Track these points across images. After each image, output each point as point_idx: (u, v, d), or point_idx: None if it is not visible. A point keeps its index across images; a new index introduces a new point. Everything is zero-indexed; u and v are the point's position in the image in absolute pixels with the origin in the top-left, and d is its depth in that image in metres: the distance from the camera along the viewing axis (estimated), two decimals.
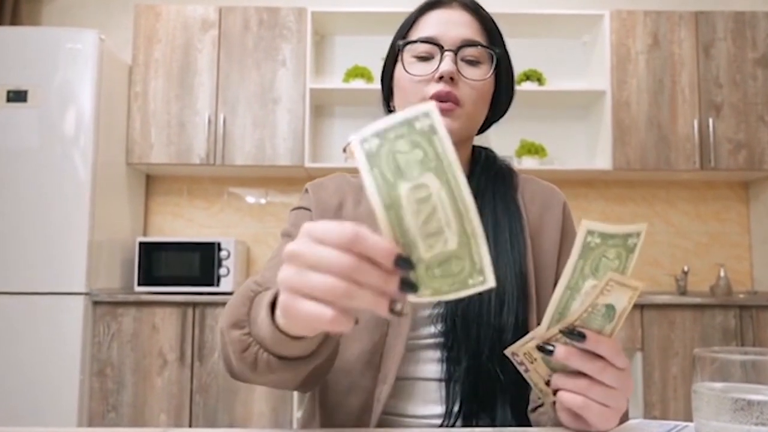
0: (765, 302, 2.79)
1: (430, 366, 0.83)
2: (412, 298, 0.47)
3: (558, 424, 0.65)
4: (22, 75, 2.76)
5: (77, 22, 3.46)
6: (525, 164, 3.15)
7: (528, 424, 0.79)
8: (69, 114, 2.76)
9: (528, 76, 3.19)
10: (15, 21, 3.37)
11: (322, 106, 3.44)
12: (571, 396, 0.60)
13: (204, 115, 3.11)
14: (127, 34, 3.34)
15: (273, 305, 0.58)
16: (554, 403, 0.64)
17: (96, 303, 2.75)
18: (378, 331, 0.82)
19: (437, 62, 0.87)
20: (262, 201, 3.46)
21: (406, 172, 0.45)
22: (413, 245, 0.46)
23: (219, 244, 2.97)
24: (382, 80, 0.99)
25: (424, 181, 0.45)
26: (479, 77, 0.89)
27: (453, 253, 0.46)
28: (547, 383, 0.64)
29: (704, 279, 3.36)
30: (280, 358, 0.62)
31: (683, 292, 3.17)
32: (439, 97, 0.86)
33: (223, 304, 2.76)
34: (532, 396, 0.80)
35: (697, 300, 2.79)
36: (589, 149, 3.40)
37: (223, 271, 2.95)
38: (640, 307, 2.77)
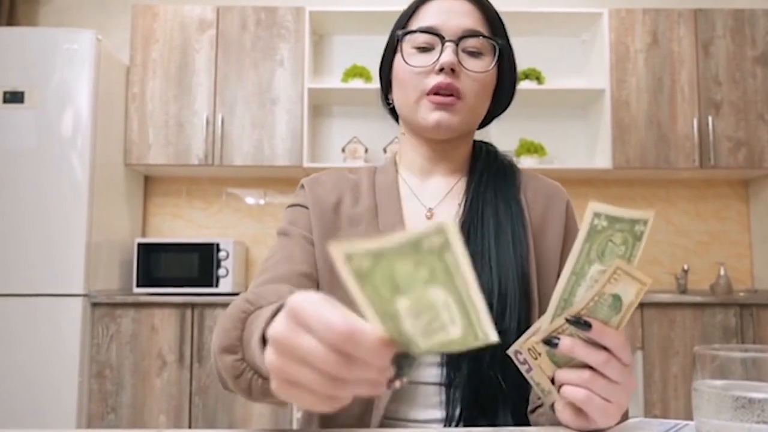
0: (765, 300, 2.79)
1: (430, 370, 0.81)
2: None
3: (557, 423, 0.64)
4: (19, 76, 2.75)
5: (74, 22, 3.46)
6: (524, 163, 3.14)
7: (527, 425, 0.78)
8: (66, 115, 2.76)
9: (527, 75, 3.18)
10: (12, 21, 3.36)
11: (320, 106, 3.43)
12: (573, 389, 0.59)
13: (202, 115, 3.10)
14: (124, 35, 3.33)
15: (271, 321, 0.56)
16: (553, 405, 0.63)
17: (94, 304, 2.74)
18: None
19: (438, 53, 0.85)
20: (261, 201, 3.46)
21: (407, 290, 0.41)
22: (413, 342, 0.44)
23: (218, 245, 2.96)
24: (380, 72, 0.96)
25: (429, 295, 0.41)
26: (481, 69, 0.87)
27: (455, 340, 0.43)
28: (551, 381, 0.63)
29: (704, 277, 3.36)
30: None
31: (683, 291, 3.16)
32: (439, 89, 0.84)
33: (222, 305, 2.76)
34: (532, 397, 0.79)
35: (698, 299, 2.78)
36: (588, 148, 3.39)
37: (222, 271, 2.95)
38: (640, 305, 2.76)
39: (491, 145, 0.99)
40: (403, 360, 0.45)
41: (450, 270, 0.40)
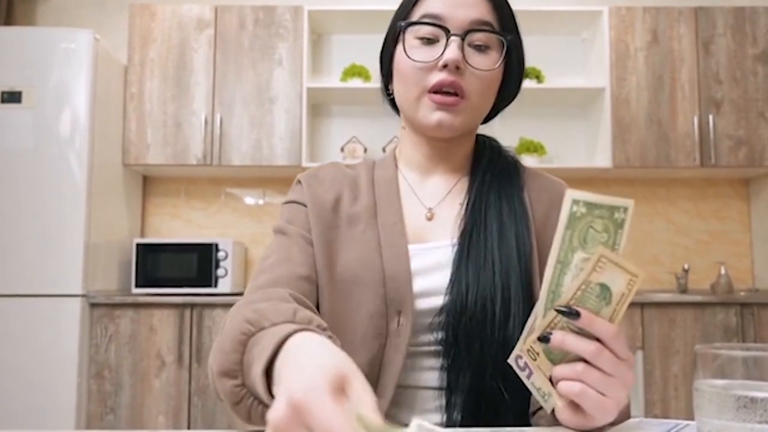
0: (766, 300, 2.78)
1: (430, 374, 0.79)
2: None
3: (557, 424, 0.63)
4: (17, 75, 2.74)
5: (72, 22, 3.45)
6: (524, 163, 3.12)
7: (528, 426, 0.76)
8: (64, 115, 2.75)
9: (526, 74, 3.16)
10: (9, 21, 3.36)
11: (319, 106, 3.42)
12: (568, 384, 0.58)
13: (200, 115, 3.09)
14: (122, 34, 3.32)
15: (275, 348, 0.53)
16: (554, 410, 0.62)
17: (93, 305, 2.73)
18: (376, 344, 0.78)
19: (442, 47, 0.81)
20: (260, 201, 3.45)
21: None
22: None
23: (216, 245, 2.95)
24: (381, 60, 0.92)
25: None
26: (487, 66, 0.82)
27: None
28: (551, 382, 0.62)
29: (705, 277, 3.35)
30: None
31: (684, 290, 3.15)
32: (442, 87, 0.81)
33: (222, 305, 2.75)
34: (533, 400, 0.77)
35: (698, 298, 2.77)
36: (588, 147, 3.38)
37: (220, 272, 2.94)
38: (640, 305, 2.75)
39: (494, 140, 0.96)
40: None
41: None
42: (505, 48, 0.84)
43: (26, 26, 3.42)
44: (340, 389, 0.42)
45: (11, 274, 2.65)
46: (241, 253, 3.20)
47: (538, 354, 0.61)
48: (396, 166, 0.94)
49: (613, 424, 0.63)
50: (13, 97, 2.73)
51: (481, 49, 0.83)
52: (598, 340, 0.58)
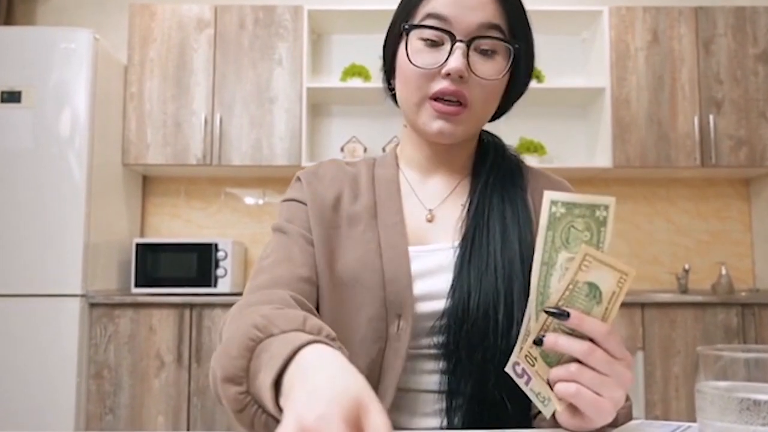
0: (767, 300, 2.77)
1: (430, 377, 0.78)
2: None
3: (557, 426, 0.63)
4: (17, 75, 2.74)
5: (72, 21, 3.44)
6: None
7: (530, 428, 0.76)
8: (64, 115, 2.74)
9: None
10: (9, 21, 3.35)
11: (319, 105, 3.42)
12: (564, 385, 0.57)
13: (200, 115, 3.09)
14: (122, 34, 3.32)
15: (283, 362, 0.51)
16: (554, 413, 0.61)
17: (92, 305, 2.73)
18: (375, 347, 0.77)
19: (446, 52, 0.78)
20: (260, 201, 3.44)
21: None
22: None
23: (216, 245, 2.95)
24: (384, 54, 0.89)
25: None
26: (492, 75, 0.79)
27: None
28: (550, 386, 0.62)
29: (705, 277, 3.34)
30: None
31: (684, 291, 3.14)
32: (443, 95, 0.78)
33: (221, 305, 2.74)
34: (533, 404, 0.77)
35: (699, 298, 2.77)
36: (588, 147, 3.38)
37: (220, 272, 2.93)
38: (640, 305, 2.75)
39: (499, 139, 0.94)
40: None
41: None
42: (512, 56, 0.81)
43: (26, 26, 3.42)
44: (356, 420, 0.39)
45: (11, 273, 2.65)
46: (240, 253, 3.19)
47: (535, 359, 0.61)
48: (397, 164, 0.92)
49: (614, 425, 0.63)
50: (13, 96, 2.72)
51: (487, 54, 0.80)
52: (591, 340, 0.57)
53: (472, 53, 0.78)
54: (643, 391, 2.70)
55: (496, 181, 0.85)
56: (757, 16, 3.15)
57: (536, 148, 3.18)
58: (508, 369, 0.63)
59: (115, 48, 3.22)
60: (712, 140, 3.07)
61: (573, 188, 0.93)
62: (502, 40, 0.79)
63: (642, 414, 2.67)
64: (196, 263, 2.94)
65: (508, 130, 3.30)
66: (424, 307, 0.78)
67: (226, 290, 2.92)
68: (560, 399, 0.59)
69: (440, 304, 0.77)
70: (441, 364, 0.77)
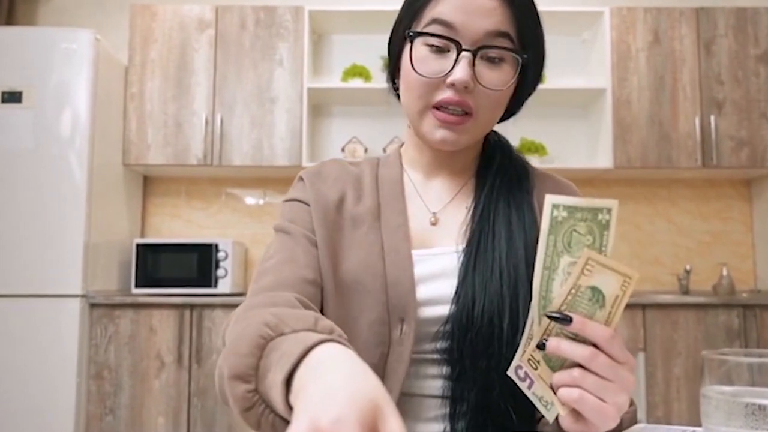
0: None
1: (434, 382, 0.77)
2: None
3: (560, 430, 0.62)
4: (17, 75, 2.74)
5: (73, 22, 3.44)
6: None
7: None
8: (64, 115, 2.74)
9: None
10: (10, 21, 3.35)
11: (320, 106, 3.42)
12: (567, 390, 0.57)
13: (201, 115, 3.09)
14: (123, 34, 3.31)
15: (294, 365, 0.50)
16: (557, 417, 0.61)
17: (93, 305, 2.72)
18: (378, 352, 0.76)
19: (451, 60, 0.75)
20: (260, 201, 3.44)
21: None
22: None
23: (217, 245, 2.94)
24: (389, 49, 0.87)
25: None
26: (498, 85, 0.77)
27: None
28: (553, 390, 0.61)
29: (707, 278, 3.34)
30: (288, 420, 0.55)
31: (686, 292, 3.14)
32: (447, 104, 0.76)
33: (222, 306, 2.74)
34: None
35: (700, 299, 2.76)
36: (589, 147, 3.37)
37: (220, 272, 2.93)
38: (642, 307, 2.74)
39: (505, 140, 0.92)
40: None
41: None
42: (519, 65, 0.78)
43: (27, 26, 3.42)
44: (372, 424, 0.38)
45: (11, 274, 2.65)
46: (241, 254, 3.19)
47: (538, 362, 0.61)
48: (401, 165, 0.91)
49: (618, 430, 0.62)
50: (14, 97, 2.72)
51: (494, 61, 0.77)
52: (595, 344, 0.57)
53: (478, 61, 0.76)
54: (645, 393, 2.70)
55: (503, 185, 0.83)
56: (758, 17, 3.15)
57: (537, 149, 3.18)
58: (510, 372, 0.62)
59: (116, 48, 3.22)
60: (713, 141, 3.07)
61: (579, 190, 0.91)
62: (509, 50, 0.76)
63: (643, 415, 2.67)
64: (196, 263, 2.94)
65: (509, 131, 3.30)
66: (428, 312, 0.77)
67: (227, 291, 2.92)
68: (563, 403, 0.59)
69: (444, 310, 0.76)
70: (444, 370, 0.76)
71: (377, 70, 3.25)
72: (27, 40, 2.77)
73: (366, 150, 3.24)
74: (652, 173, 3.23)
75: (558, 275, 0.57)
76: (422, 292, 0.78)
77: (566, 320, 0.56)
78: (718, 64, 3.12)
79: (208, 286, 2.92)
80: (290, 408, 0.49)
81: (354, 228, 0.83)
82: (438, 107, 0.78)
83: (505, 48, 0.76)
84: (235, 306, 2.81)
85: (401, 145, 0.95)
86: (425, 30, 0.77)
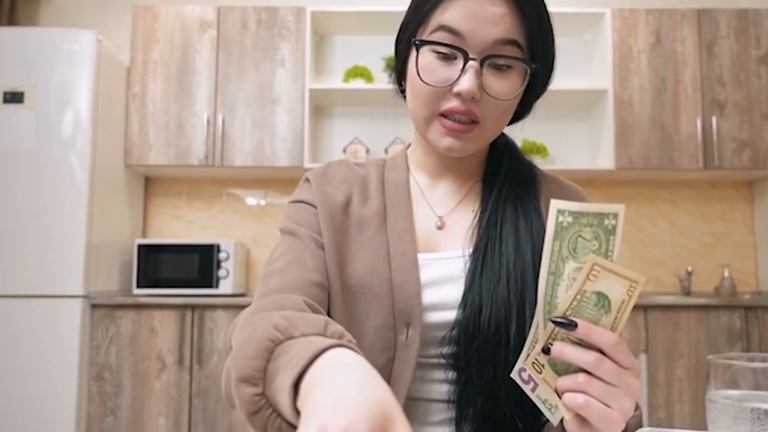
0: None
1: (439, 386, 0.77)
2: None
3: None
4: (19, 76, 2.74)
5: (75, 22, 3.44)
6: None
7: None
8: (66, 115, 2.74)
9: None
10: (12, 21, 3.36)
11: (321, 107, 3.42)
12: (572, 396, 0.56)
13: (203, 116, 3.09)
14: (125, 35, 3.32)
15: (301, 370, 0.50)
16: (562, 420, 0.61)
17: (94, 306, 2.72)
18: (384, 356, 0.75)
19: (458, 68, 0.74)
20: (262, 202, 3.44)
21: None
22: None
23: (218, 246, 2.94)
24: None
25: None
26: (505, 95, 0.76)
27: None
28: (558, 394, 0.61)
29: (708, 279, 3.33)
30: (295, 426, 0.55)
31: (687, 293, 3.14)
32: (454, 113, 0.76)
33: (223, 306, 2.74)
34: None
35: (702, 301, 2.76)
36: (591, 149, 3.37)
37: (222, 273, 2.93)
38: (643, 308, 2.74)
39: (512, 142, 0.91)
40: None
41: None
42: (528, 75, 0.77)
43: (29, 27, 3.42)
44: None
45: (12, 274, 2.65)
46: (242, 254, 3.19)
47: (543, 366, 0.60)
48: (407, 167, 0.90)
49: None
50: (16, 97, 2.72)
51: (501, 69, 0.76)
52: (600, 349, 0.56)
53: (485, 70, 0.75)
54: (647, 394, 2.70)
55: (510, 190, 0.83)
56: (759, 19, 3.15)
57: (539, 150, 3.18)
58: (513, 375, 0.62)
59: (118, 49, 3.22)
60: (714, 142, 3.07)
61: (586, 194, 0.91)
62: (518, 59, 0.75)
63: (645, 417, 2.67)
64: (197, 264, 2.94)
65: (511, 132, 3.30)
66: (434, 317, 0.77)
67: (228, 291, 2.92)
68: (568, 408, 0.59)
69: (450, 315, 0.76)
70: (450, 374, 0.76)
71: (379, 71, 3.26)
72: (29, 41, 2.77)
73: (368, 151, 3.24)
74: (653, 174, 3.23)
75: (563, 280, 0.56)
76: (428, 296, 0.77)
77: (571, 325, 0.55)
78: (719, 66, 3.12)
79: (210, 286, 2.92)
80: (297, 412, 0.48)
81: (360, 231, 0.82)
82: (444, 115, 0.77)
83: (513, 57, 0.75)
84: (236, 307, 2.82)
85: (407, 147, 0.94)
86: (432, 38, 0.76)
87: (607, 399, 0.55)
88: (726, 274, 3.12)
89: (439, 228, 0.85)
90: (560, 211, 0.55)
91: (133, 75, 3.10)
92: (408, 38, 0.81)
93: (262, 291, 0.74)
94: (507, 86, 0.76)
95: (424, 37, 0.77)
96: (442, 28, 0.75)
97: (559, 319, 0.56)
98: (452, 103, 0.76)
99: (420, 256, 0.80)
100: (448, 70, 0.75)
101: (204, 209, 3.42)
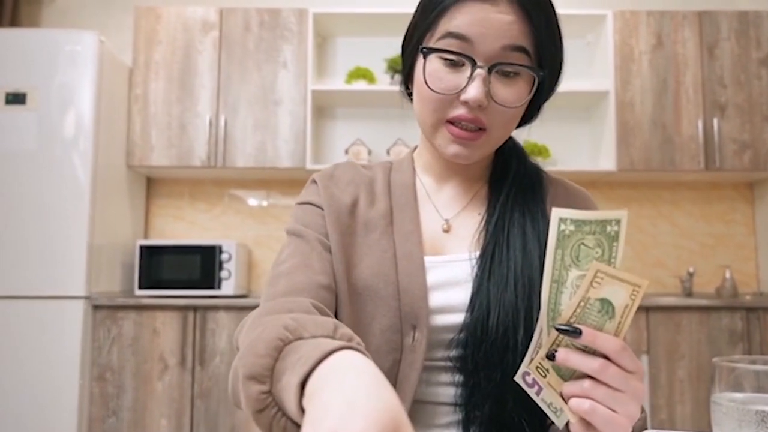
0: None
1: (446, 389, 0.77)
2: None
3: None
4: (21, 77, 2.74)
5: (77, 23, 3.45)
6: None
7: None
8: (68, 116, 2.75)
9: None
10: (14, 23, 3.36)
11: (323, 108, 3.42)
12: (578, 401, 0.57)
13: (205, 117, 3.09)
14: (127, 36, 3.32)
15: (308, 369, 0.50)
16: (567, 423, 0.61)
17: (96, 307, 2.73)
18: (390, 359, 0.76)
19: (465, 75, 0.74)
20: (264, 203, 3.45)
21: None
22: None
23: (220, 247, 2.95)
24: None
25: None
26: (512, 102, 0.76)
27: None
28: (563, 398, 0.61)
29: (710, 281, 3.34)
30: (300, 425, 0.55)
31: (689, 294, 3.14)
32: (461, 121, 0.76)
33: (225, 308, 2.74)
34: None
35: (703, 302, 2.76)
36: (592, 150, 3.38)
37: (224, 274, 2.93)
38: (645, 309, 2.74)
39: (519, 146, 0.91)
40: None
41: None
42: (535, 83, 0.77)
43: (31, 28, 3.43)
44: None
45: (14, 275, 2.65)
46: (244, 255, 3.19)
47: (547, 370, 0.60)
48: (413, 170, 0.90)
49: None
50: (18, 98, 2.73)
51: (509, 76, 0.76)
52: (604, 355, 0.56)
53: (493, 76, 0.75)
54: (648, 395, 2.70)
55: (518, 194, 0.83)
56: (760, 21, 3.15)
57: (540, 152, 3.18)
58: (517, 378, 0.62)
59: (120, 50, 3.23)
60: (716, 144, 3.07)
61: (592, 197, 0.91)
62: (525, 66, 0.75)
63: (648, 418, 2.67)
64: (199, 265, 2.94)
65: (512, 134, 3.30)
66: (440, 319, 0.77)
67: (230, 292, 2.92)
68: (574, 412, 0.59)
69: (456, 318, 0.76)
70: (457, 377, 0.76)
71: (381, 72, 3.26)
72: (31, 42, 2.77)
73: (370, 152, 3.24)
74: (655, 176, 3.24)
75: (567, 288, 0.56)
76: (434, 299, 0.78)
77: (576, 333, 0.56)
78: (720, 68, 3.12)
79: (212, 287, 2.92)
80: (303, 412, 0.48)
81: (367, 233, 0.82)
82: (452, 122, 0.77)
83: (520, 64, 0.75)
84: (238, 308, 2.82)
85: (414, 149, 0.94)
86: (440, 45, 0.76)
87: (613, 404, 0.56)
88: (727, 275, 3.13)
89: (446, 231, 0.85)
90: (562, 220, 0.55)
91: (136, 76, 3.11)
92: (415, 44, 0.81)
93: (269, 293, 0.75)
94: (514, 93, 0.76)
95: (432, 44, 0.77)
96: (450, 35, 0.75)
97: (563, 327, 0.56)
98: (459, 111, 0.76)
99: (426, 258, 0.80)
100: (455, 77, 0.75)
101: (206, 210, 3.43)
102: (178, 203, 3.42)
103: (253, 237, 3.40)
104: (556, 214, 0.55)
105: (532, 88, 0.78)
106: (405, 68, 0.86)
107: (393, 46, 3.21)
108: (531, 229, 0.79)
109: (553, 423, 0.72)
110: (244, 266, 3.17)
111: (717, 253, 3.38)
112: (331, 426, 0.37)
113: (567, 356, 0.57)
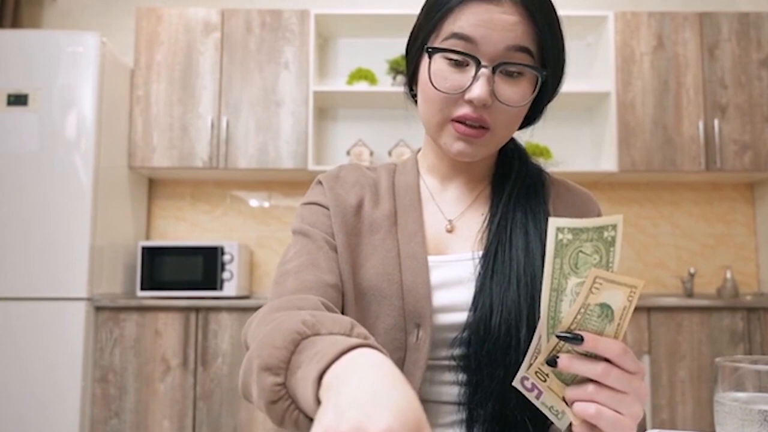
0: None
1: (450, 388, 0.78)
2: None
3: None
4: (23, 78, 2.75)
5: (78, 25, 3.46)
6: None
7: None
8: (70, 118, 2.75)
9: None
10: (16, 24, 3.36)
11: (325, 109, 3.43)
12: (583, 405, 0.57)
13: (206, 118, 3.10)
14: (128, 37, 3.33)
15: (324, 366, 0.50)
16: (570, 425, 0.62)
17: (98, 308, 2.73)
18: (394, 357, 0.75)
19: (470, 74, 0.75)
20: (266, 204, 3.45)
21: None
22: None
23: (222, 248, 2.95)
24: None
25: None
26: (516, 101, 0.77)
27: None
28: (565, 402, 0.62)
29: (710, 281, 3.34)
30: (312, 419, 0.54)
31: (690, 295, 3.14)
32: (465, 119, 0.77)
33: (227, 309, 2.75)
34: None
35: (704, 302, 2.77)
36: (594, 151, 3.38)
37: (226, 275, 2.94)
38: (646, 309, 2.75)
39: (521, 147, 0.93)
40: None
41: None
42: (538, 83, 0.78)
43: (32, 29, 3.43)
44: None
45: (16, 277, 2.66)
46: (246, 256, 3.20)
47: (547, 375, 0.61)
48: (417, 171, 0.91)
49: None
50: (20, 100, 2.73)
51: (513, 76, 0.77)
52: (606, 358, 0.57)
53: (497, 76, 0.76)
54: (650, 396, 2.70)
55: (520, 194, 0.84)
56: (761, 22, 3.16)
57: (542, 153, 3.18)
58: (515, 383, 0.62)
59: (122, 51, 3.24)
60: (716, 145, 3.07)
61: (594, 197, 0.92)
62: (529, 66, 0.77)
63: (648, 419, 2.67)
64: (201, 266, 2.94)
65: (514, 135, 3.30)
66: (444, 318, 0.78)
67: (232, 293, 2.92)
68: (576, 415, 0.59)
69: (460, 317, 0.77)
70: (461, 376, 0.77)
71: (382, 73, 3.26)
72: (32, 43, 2.78)
73: (371, 153, 3.24)
74: (656, 177, 3.24)
75: (566, 296, 0.56)
76: (438, 298, 0.79)
77: (578, 340, 0.56)
78: (721, 69, 3.13)
79: (214, 289, 2.92)
80: (318, 404, 0.48)
81: (371, 233, 0.83)
82: (456, 120, 0.78)
83: (524, 64, 0.76)
84: (240, 309, 2.82)
85: (418, 151, 0.95)
86: (444, 45, 0.77)
87: (618, 406, 0.56)
88: (728, 275, 3.13)
89: (449, 231, 0.86)
90: (559, 229, 0.55)
91: (137, 77, 3.11)
92: (420, 45, 0.82)
93: (278, 291, 0.75)
94: (518, 93, 0.77)
95: (437, 44, 0.78)
96: (455, 35, 0.76)
97: (565, 334, 0.56)
98: (464, 110, 0.77)
99: (430, 258, 0.81)
100: (460, 76, 0.77)
101: (208, 211, 3.43)
102: (179, 204, 3.43)
103: (255, 238, 3.41)
104: (553, 223, 0.55)
105: (535, 88, 0.79)
106: (409, 69, 0.87)
107: (395, 47, 3.22)
108: (533, 229, 0.80)
109: (552, 425, 0.72)
110: (246, 267, 3.17)
111: (718, 254, 3.39)
112: (356, 417, 0.38)
113: (570, 363, 0.57)
